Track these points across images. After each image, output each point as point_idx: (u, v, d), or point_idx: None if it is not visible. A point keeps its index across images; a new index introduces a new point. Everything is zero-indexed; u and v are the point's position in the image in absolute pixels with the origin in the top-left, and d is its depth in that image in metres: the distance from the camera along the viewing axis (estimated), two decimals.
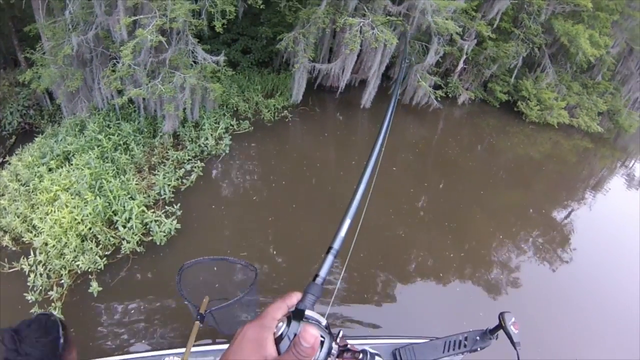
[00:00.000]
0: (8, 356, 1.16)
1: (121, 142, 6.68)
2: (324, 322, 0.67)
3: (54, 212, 5.44)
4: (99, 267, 5.08)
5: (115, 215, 5.54)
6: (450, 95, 11.18)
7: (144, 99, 6.76)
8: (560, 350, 5.09)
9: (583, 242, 7.31)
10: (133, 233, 5.35)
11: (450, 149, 9.55)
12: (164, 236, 5.35)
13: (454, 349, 2.68)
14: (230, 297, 2.84)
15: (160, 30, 6.23)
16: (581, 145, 12.07)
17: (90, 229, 5.33)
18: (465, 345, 2.67)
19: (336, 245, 0.79)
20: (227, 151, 7.26)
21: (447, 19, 8.45)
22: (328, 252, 0.78)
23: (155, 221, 5.42)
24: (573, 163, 11.10)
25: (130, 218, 5.40)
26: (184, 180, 6.31)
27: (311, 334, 0.60)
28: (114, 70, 6.54)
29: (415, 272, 5.89)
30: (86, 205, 5.46)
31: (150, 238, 5.39)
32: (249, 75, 9.72)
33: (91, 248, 5.18)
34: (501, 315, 2.42)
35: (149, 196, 5.93)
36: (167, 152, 6.82)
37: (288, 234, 5.81)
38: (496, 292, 5.81)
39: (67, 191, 5.78)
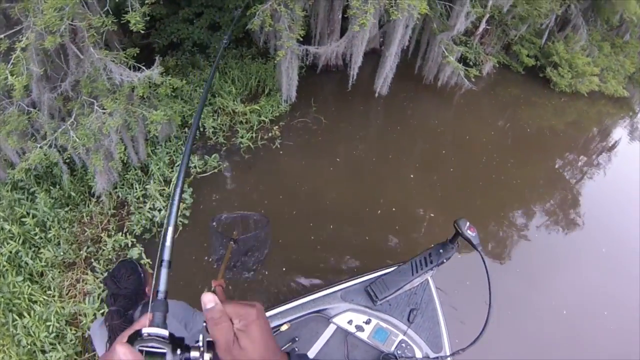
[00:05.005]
0: (113, 292, 1.62)
1: (36, 228, 3.85)
2: (165, 333, 0.60)
3: None
4: None
5: None
6: (471, 63, 8.16)
7: (60, 151, 3.77)
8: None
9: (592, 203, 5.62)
10: None
11: (468, 128, 6.82)
12: None
13: (422, 268, 2.51)
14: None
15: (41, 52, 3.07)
16: (604, 111, 9.66)
17: None
18: (431, 262, 2.51)
19: (166, 256, 0.71)
20: (186, 219, 4.15)
21: None
22: (160, 265, 0.69)
23: None
24: (593, 129, 8.83)
25: None
26: None
27: (119, 352, 0.55)
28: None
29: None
30: None
31: None
32: (223, 66, 6.23)
33: None
34: (456, 223, 2.29)
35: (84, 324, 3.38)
36: (106, 228, 4.05)
37: None
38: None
39: None
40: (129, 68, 3.66)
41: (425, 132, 6.23)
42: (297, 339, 2.35)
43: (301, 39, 5.56)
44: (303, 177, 4.91)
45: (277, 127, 5.50)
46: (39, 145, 3.60)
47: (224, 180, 4.72)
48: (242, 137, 5.20)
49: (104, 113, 3.40)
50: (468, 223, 2.26)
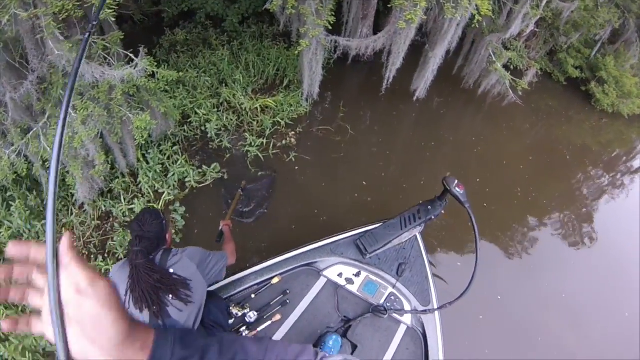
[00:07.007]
0: (138, 234, 1.64)
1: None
2: None
3: None
4: None
5: None
6: (512, 67, 7.03)
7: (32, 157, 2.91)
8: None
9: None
10: None
11: (506, 149, 5.82)
12: None
13: (410, 223, 2.47)
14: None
15: None
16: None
17: None
18: (420, 218, 2.45)
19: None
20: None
21: None
22: None
23: None
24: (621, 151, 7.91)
25: None
26: None
27: None
28: None
29: None
30: None
31: None
32: (237, 48, 5.09)
33: None
34: (444, 180, 2.24)
35: None
36: (88, 243, 3.28)
37: None
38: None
39: None
40: (113, 56, 2.73)
41: (461, 151, 5.30)
42: (288, 291, 2.35)
43: (330, 27, 4.53)
44: (322, 204, 3.85)
45: (293, 132, 4.40)
46: (7, 152, 2.75)
47: (223, 199, 3.81)
48: (250, 145, 4.15)
49: (76, 120, 2.51)
50: (457, 180, 2.21)
